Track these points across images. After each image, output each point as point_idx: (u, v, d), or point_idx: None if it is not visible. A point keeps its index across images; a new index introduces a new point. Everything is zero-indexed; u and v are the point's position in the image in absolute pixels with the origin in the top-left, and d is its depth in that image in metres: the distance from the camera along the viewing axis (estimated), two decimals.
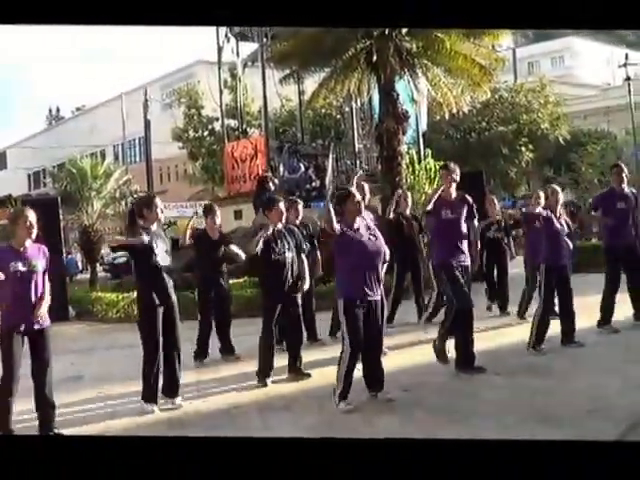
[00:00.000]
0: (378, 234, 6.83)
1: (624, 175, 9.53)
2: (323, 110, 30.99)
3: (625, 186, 9.57)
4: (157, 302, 6.92)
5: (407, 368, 8.05)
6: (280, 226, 8.08)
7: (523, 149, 34.15)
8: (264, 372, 7.79)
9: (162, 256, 6.98)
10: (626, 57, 28.11)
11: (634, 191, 9.92)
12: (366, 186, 8.42)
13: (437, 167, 8.64)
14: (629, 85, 26.91)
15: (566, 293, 8.60)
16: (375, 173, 22.01)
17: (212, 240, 9.29)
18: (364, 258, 6.58)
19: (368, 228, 6.76)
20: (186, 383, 7.66)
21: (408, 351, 8.97)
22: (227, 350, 9.39)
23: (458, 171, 7.99)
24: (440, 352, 7.85)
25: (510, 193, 37.79)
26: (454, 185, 7.96)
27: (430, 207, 7.83)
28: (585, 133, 37.72)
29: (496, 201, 11.90)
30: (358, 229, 6.66)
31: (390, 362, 8.04)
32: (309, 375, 8.00)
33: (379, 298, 6.71)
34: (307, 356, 8.59)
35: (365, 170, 25.33)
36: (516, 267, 11.72)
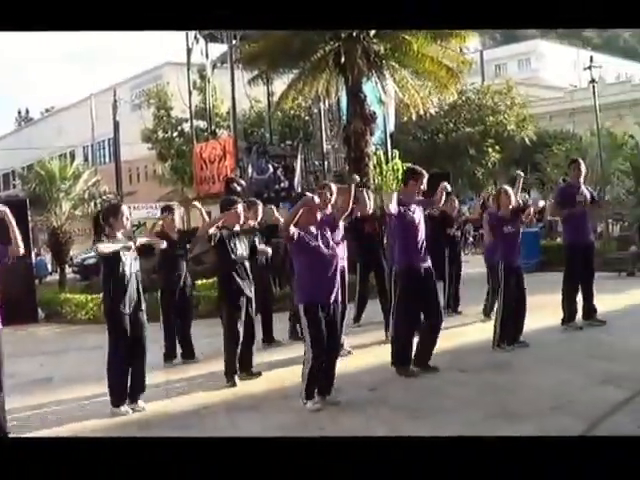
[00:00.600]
0: (337, 236, 6.90)
1: (582, 169, 9.80)
2: (292, 111, 31.01)
3: (582, 180, 9.85)
4: (123, 309, 6.95)
5: (373, 367, 8.11)
6: (237, 227, 8.16)
7: (490, 150, 34.44)
8: (231, 371, 7.84)
9: (129, 263, 7.03)
10: (591, 60, 28.30)
11: (589, 188, 10.32)
12: (333, 187, 8.38)
13: (404, 168, 8.45)
14: (594, 87, 27.14)
15: (520, 293, 8.68)
16: (343, 174, 22.10)
17: (172, 240, 9.27)
18: (321, 261, 6.61)
19: (325, 231, 6.78)
20: (155, 384, 7.70)
21: (374, 350, 9.02)
22: (188, 354, 9.42)
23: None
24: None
25: (477, 193, 38.06)
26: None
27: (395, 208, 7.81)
28: (551, 134, 38.03)
29: (456, 201, 11.92)
30: (314, 232, 6.68)
31: (356, 361, 8.14)
32: (259, 374, 8.12)
33: (338, 299, 6.77)
34: (270, 356, 8.68)
35: (333, 171, 25.45)
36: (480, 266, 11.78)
